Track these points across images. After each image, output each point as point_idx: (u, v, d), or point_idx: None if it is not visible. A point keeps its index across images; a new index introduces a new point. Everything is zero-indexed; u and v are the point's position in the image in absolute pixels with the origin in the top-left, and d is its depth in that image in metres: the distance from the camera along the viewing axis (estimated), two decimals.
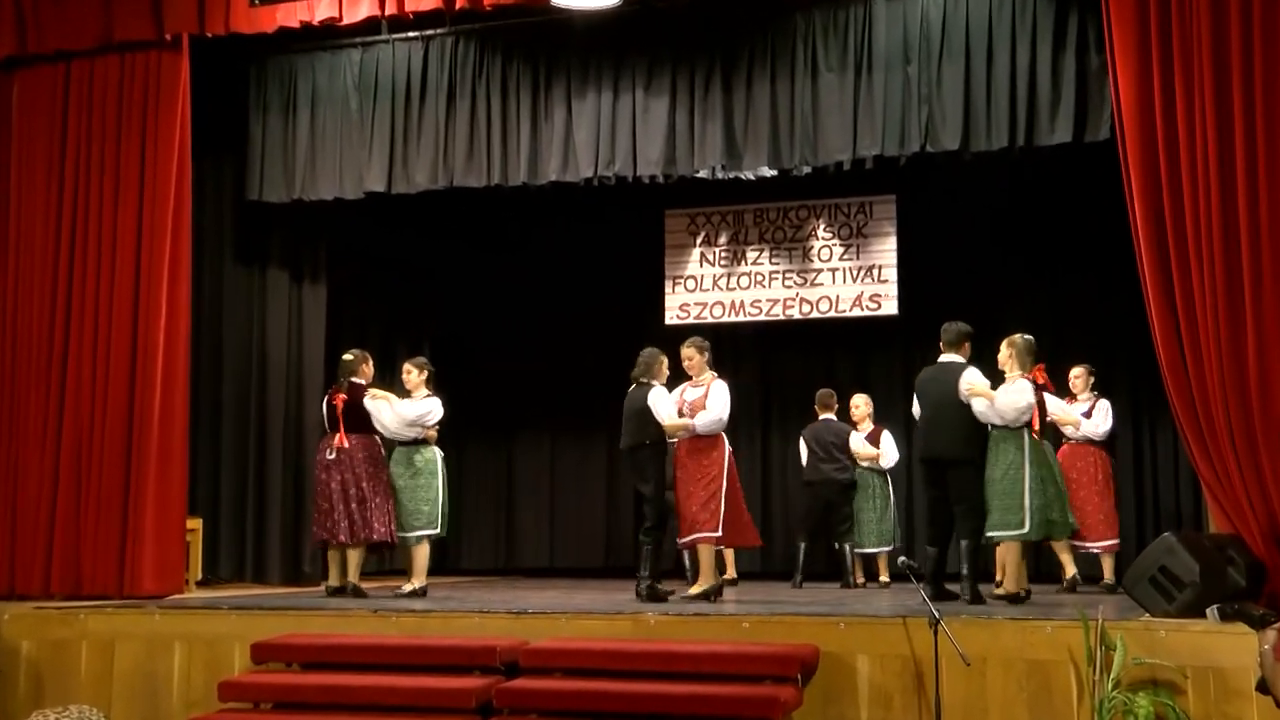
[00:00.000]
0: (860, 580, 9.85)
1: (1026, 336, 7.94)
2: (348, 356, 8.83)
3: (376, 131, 9.45)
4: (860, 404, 10.15)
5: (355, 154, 9.49)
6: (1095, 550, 9.20)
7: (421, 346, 12.38)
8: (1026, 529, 7.55)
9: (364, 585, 8.53)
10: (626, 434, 8.17)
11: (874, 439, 10.06)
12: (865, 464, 9.97)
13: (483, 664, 6.52)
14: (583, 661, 6.49)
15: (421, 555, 8.60)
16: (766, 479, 12.00)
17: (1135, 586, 6.47)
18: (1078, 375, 9.46)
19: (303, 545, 9.89)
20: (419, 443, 8.70)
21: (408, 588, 8.49)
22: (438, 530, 8.63)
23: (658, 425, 7.98)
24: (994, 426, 7.67)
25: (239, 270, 10.20)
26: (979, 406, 7.66)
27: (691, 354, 8.12)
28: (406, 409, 8.67)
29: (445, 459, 8.86)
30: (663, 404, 8.00)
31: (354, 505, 8.41)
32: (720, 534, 7.84)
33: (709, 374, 8.11)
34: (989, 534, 7.63)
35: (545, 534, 12.75)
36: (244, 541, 9.99)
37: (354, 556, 8.45)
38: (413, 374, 8.85)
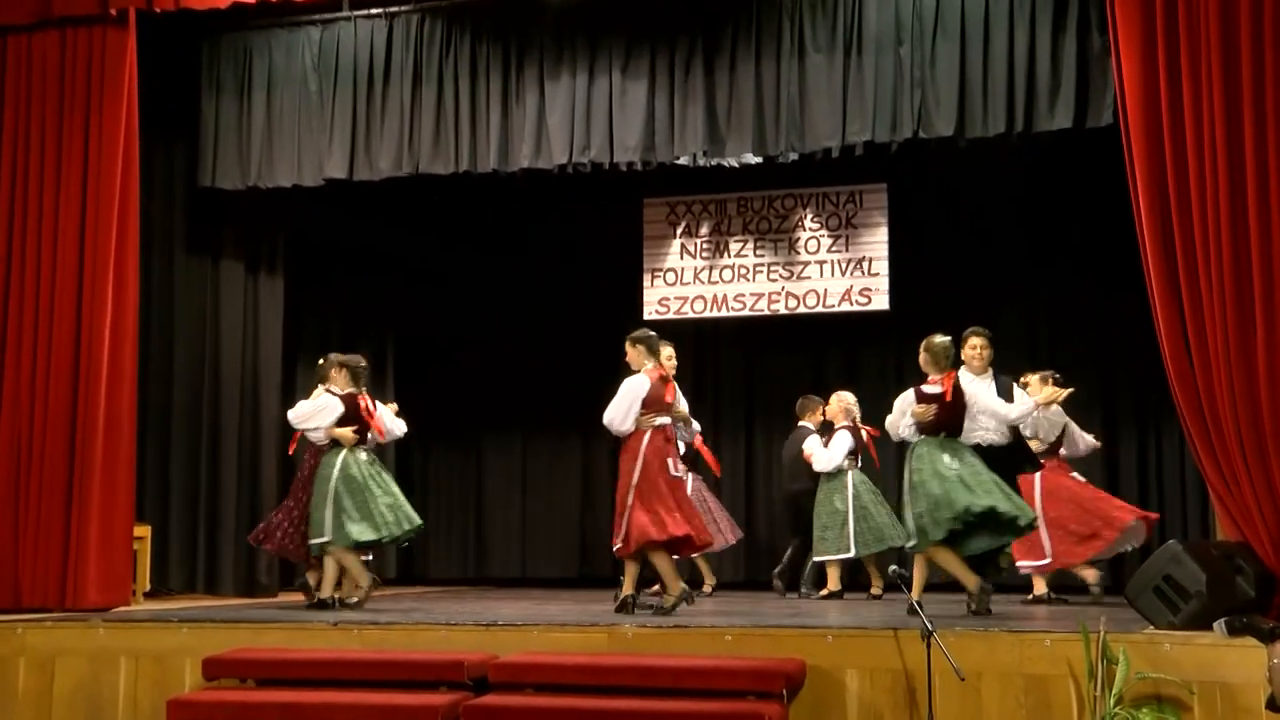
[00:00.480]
0: (827, 589, 9.83)
1: (943, 339, 7.78)
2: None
3: (337, 114, 9.39)
4: (832, 401, 10.14)
5: (314, 138, 9.44)
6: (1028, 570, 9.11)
7: (386, 344, 12.37)
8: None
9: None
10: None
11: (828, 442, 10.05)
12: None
13: (449, 679, 6.48)
14: (555, 677, 6.46)
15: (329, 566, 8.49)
16: (750, 484, 12.00)
17: (1139, 597, 6.46)
18: (1027, 383, 9.31)
19: (258, 554, 9.83)
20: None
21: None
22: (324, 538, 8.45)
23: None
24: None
25: (191, 262, 10.13)
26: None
27: (627, 348, 8.03)
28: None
29: (349, 462, 8.52)
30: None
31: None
32: (620, 546, 7.71)
33: (647, 366, 7.94)
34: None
35: (516, 542, 12.74)
36: (195, 550, 9.93)
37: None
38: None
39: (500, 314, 12.49)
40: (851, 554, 9.76)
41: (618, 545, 7.78)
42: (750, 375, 12.19)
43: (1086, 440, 9.23)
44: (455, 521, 12.92)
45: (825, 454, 9.89)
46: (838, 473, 9.88)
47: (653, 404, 7.78)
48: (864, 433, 9.99)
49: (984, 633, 6.38)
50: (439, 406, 12.36)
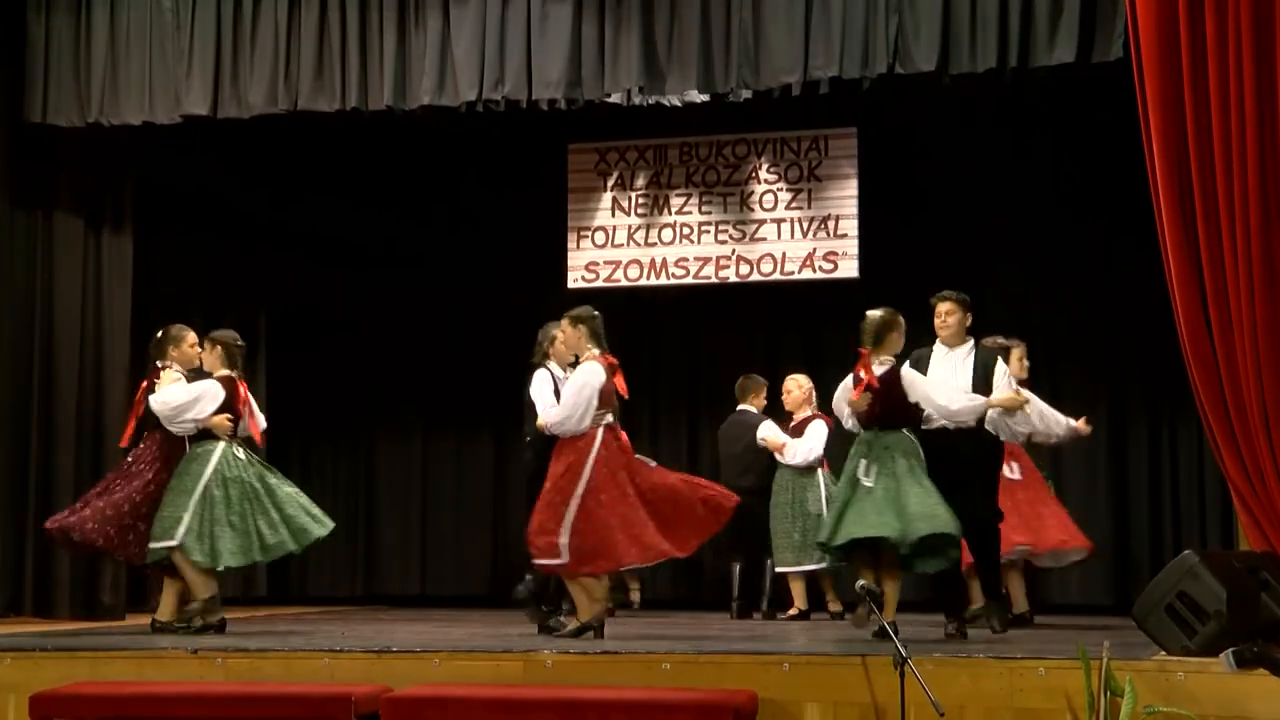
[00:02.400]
0: (794, 609, 9.92)
1: (875, 312, 7.75)
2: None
3: (198, 38, 9.31)
4: (792, 387, 10.20)
5: (170, 67, 9.35)
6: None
7: (256, 318, 12.27)
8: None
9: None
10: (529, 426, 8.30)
11: (799, 430, 10.09)
12: (779, 459, 10.02)
13: (333, 716, 6.45)
14: (461, 714, 6.44)
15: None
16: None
17: (1149, 617, 6.54)
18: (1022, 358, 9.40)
19: (100, 570, 9.75)
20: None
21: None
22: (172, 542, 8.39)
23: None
24: None
25: (17, 214, 9.99)
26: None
27: (564, 328, 7.98)
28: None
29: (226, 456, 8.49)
30: (542, 391, 8.18)
31: None
32: (564, 562, 7.65)
33: (589, 353, 7.88)
34: None
35: (415, 554, 12.73)
36: (22, 564, 9.83)
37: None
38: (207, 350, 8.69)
39: (394, 284, 12.42)
40: (824, 565, 9.79)
41: (556, 563, 7.72)
42: (694, 355, 12.23)
43: (1062, 422, 9.10)
44: (340, 531, 12.78)
45: (803, 444, 9.96)
46: (808, 469, 9.93)
47: (605, 399, 7.73)
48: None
49: (968, 660, 6.43)
50: (320, 394, 12.29)
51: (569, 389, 7.80)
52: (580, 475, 7.61)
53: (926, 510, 7.35)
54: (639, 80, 8.88)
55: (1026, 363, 9.19)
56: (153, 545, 8.32)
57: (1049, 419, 8.96)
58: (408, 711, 6.47)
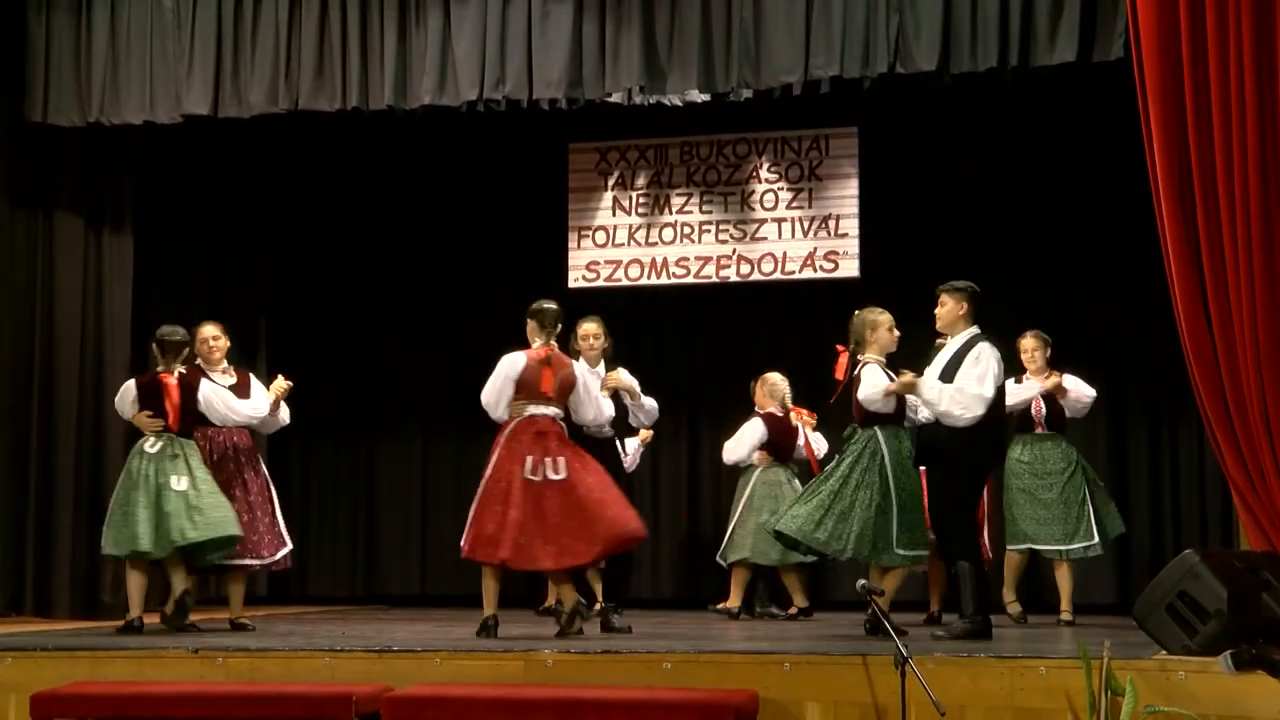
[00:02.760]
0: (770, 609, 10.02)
1: (866, 313, 8.04)
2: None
3: (199, 38, 9.32)
4: (755, 387, 10.31)
5: (171, 66, 9.36)
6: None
7: (257, 319, 12.28)
8: None
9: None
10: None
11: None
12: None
13: (334, 716, 6.45)
14: (461, 713, 6.44)
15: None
16: (694, 481, 12.04)
17: (1149, 617, 6.54)
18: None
19: (100, 568, 9.74)
20: None
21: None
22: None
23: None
24: None
25: (17, 214, 10.00)
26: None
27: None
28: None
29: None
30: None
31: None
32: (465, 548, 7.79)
33: (536, 342, 8.05)
34: None
35: (415, 554, 12.73)
36: (22, 564, 9.84)
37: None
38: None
39: (394, 284, 12.42)
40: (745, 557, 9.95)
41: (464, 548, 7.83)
42: (695, 355, 12.22)
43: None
44: (341, 530, 12.86)
45: (731, 443, 10.19)
46: (746, 468, 10.15)
47: (524, 389, 7.79)
48: (795, 419, 10.16)
49: (969, 659, 6.43)
50: (322, 395, 12.26)
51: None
52: (489, 463, 7.77)
53: (834, 529, 7.78)
54: (640, 80, 8.89)
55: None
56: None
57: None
58: (409, 711, 6.47)
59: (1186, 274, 7.01)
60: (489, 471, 7.75)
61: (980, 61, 8.33)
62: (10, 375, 9.94)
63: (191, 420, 8.55)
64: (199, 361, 8.72)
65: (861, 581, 6.59)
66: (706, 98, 9.57)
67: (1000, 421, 7.85)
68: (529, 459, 7.69)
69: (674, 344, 12.22)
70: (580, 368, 8.34)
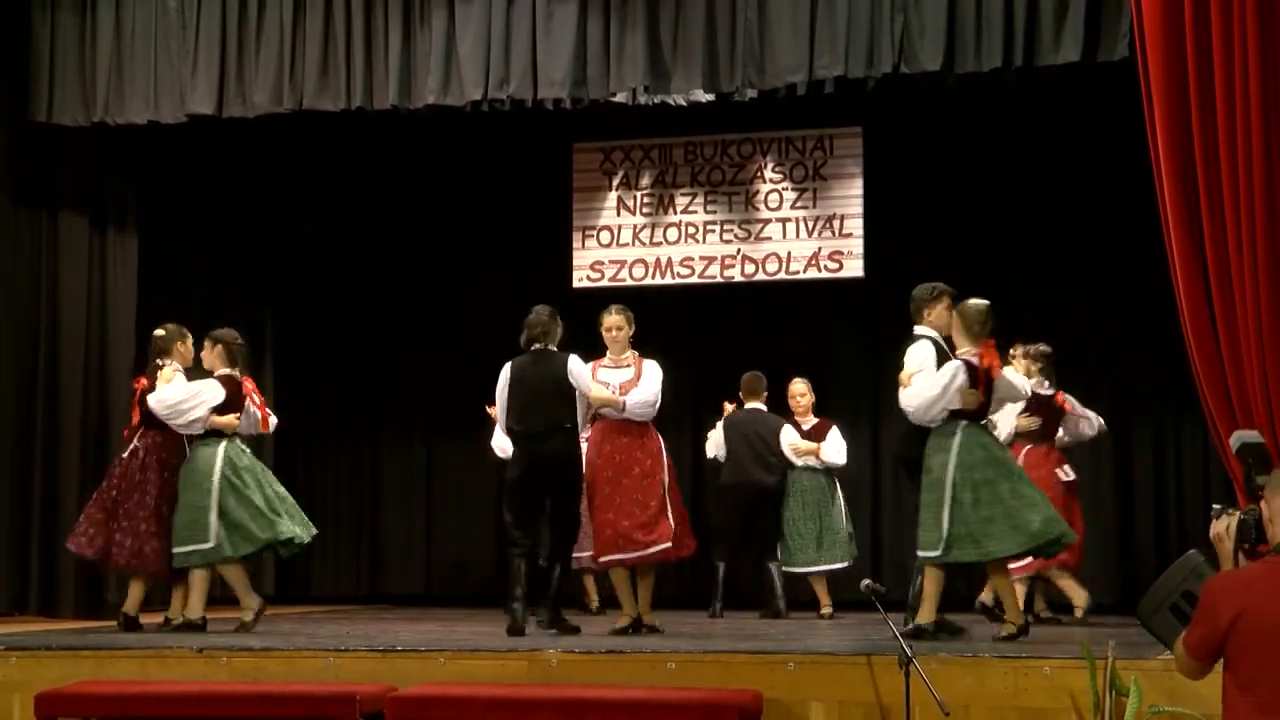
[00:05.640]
0: (823, 608, 9.99)
1: (983, 302, 7.80)
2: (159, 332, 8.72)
3: (203, 38, 9.33)
4: (806, 391, 10.26)
5: (175, 66, 9.37)
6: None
7: (262, 320, 12.29)
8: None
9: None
10: (535, 417, 8.15)
11: (818, 434, 10.18)
12: (801, 462, 10.08)
13: (338, 716, 6.45)
14: (465, 713, 6.44)
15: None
16: (699, 481, 12.04)
17: (1153, 617, 6.49)
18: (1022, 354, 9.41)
19: (104, 569, 9.72)
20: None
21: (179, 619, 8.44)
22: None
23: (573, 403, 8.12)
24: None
25: (21, 214, 10.02)
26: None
27: (623, 323, 8.27)
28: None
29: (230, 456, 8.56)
30: (587, 374, 8.20)
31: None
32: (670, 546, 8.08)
33: (630, 352, 8.28)
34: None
35: (419, 553, 12.75)
36: (27, 564, 9.86)
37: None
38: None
39: (399, 283, 12.44)
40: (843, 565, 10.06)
41: (664, 548, 8.07)
42: (699, 355, 12.21)
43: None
44: (345, 531, 12.86)
45: (840, 445, 10.16)
46: (830, 472, 10.15)
47: None
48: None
49: (973, 659, 6.44)
50: (325, 394, 12.30)
51: (655, 378, 8.16)
52: (662, 462, 8.23)
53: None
54: (644, 80, 8.89)
55: (1026, 363, 9.24)
56: (180, 550, 8.36)
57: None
58: (412, 710, 6.47)
59: (1191, 272, 7.02)
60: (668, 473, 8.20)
61: (985, 62, 8.33)
62: (15, 375, 9.95)
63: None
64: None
65: (866, 581, 6.58)
66: (711, 97, 9.57)
67: None
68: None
69: (678, 344, 12.20)
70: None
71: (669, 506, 8.13)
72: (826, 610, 10.02)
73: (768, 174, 11.26)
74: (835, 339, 11.70)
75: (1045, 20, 8.21)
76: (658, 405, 8.19)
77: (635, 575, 8.26)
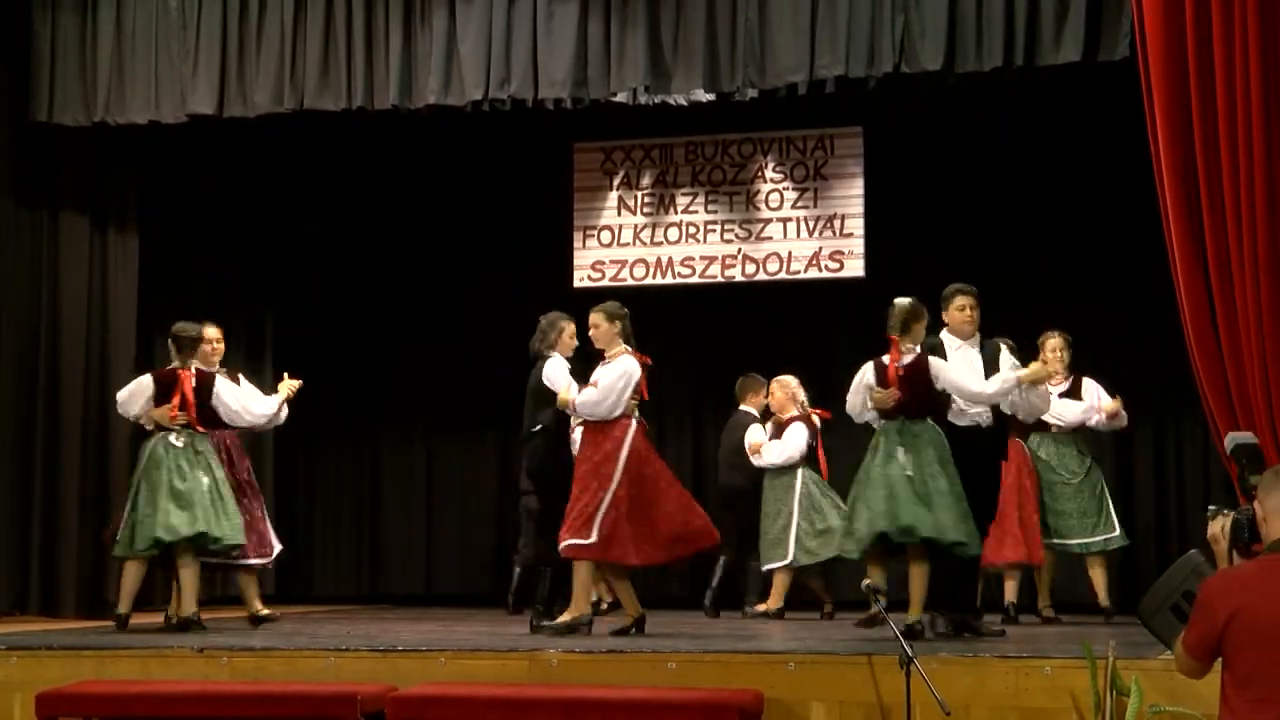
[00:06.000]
0: (768, 605, 9.97)
1: (906, 300, 7.75)
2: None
3: (204, 37, 9.33)
4: (775, 389, 10.21)
5: (176, 66, 9.38)
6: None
7: (263, 320, 12.29)
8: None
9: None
10: (524, 421, 8.32)
11: (783, 431, 10.12)
12: (756, 461, 10.09)
13: (339, 715, 6.45)
14: (466, 713, 6.44)
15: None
16: (700, 480, 12.02)
17: (1154, 616, 6.49)
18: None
19: (106, 567, 9.74)
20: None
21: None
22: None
23: (553, 406, 8.11)
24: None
25: (22, 214, 10.01)
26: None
27: (598, 321, 8.07)
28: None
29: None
30: (559, 375, 8.12)
31: None
32: (593, 542, 7.77)
33: (620, 347, 8.04)
34: None
35: (419, 553, 12.74)
36: (27, 563, 9.85)
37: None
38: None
39: (399, 283, 12.43)
40: (789, 561, 9.88)
41: (585, 543, 7.77)
42: (700, 354, 12.22)
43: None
44: (345, 531, 12.86)
45: (778, 446, 9.98)
46: (788, 470, 9.97)
47: (637, 392, 7.95)
48: (816, 420, 10.11)
49: (973, 659, 6.44)
50: (326, 393, 12.27)
51: (609, 375, 7.89)
52: (617, 463, 7.79)
53: (957, 515, 7.42)
54: (645, 79, 8.90)
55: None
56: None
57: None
58: (413, 710, 6.47)
59: (1191, 271, 7.03)
60: (620, 473, 7.77)
61: (985, 61, 8.33)
62: (15, 375, 9.95)
63: (207, 418, 8.59)
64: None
65: (866, 581, 6.59)
66: (711, 97, 9.57)
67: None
68: (650, 460, 7.98)
69: (679, 344, 12.21)
70: None
71: (589, 506, 7.79)
72: (827, 608, 9.99)
73: (768, 174, 11.27)
74: (835, 339, 11.68)
75: (1046, 20, 8.21)
76: (608, 405, 7.81)
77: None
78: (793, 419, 10.03)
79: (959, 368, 7.70)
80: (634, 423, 7.89)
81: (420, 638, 7.79)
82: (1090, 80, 8.68)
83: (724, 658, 6.72)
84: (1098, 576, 9.50)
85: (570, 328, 8.36)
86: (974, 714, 6.21)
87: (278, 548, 9.12)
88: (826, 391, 10.94)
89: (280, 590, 12.07)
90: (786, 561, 9.86)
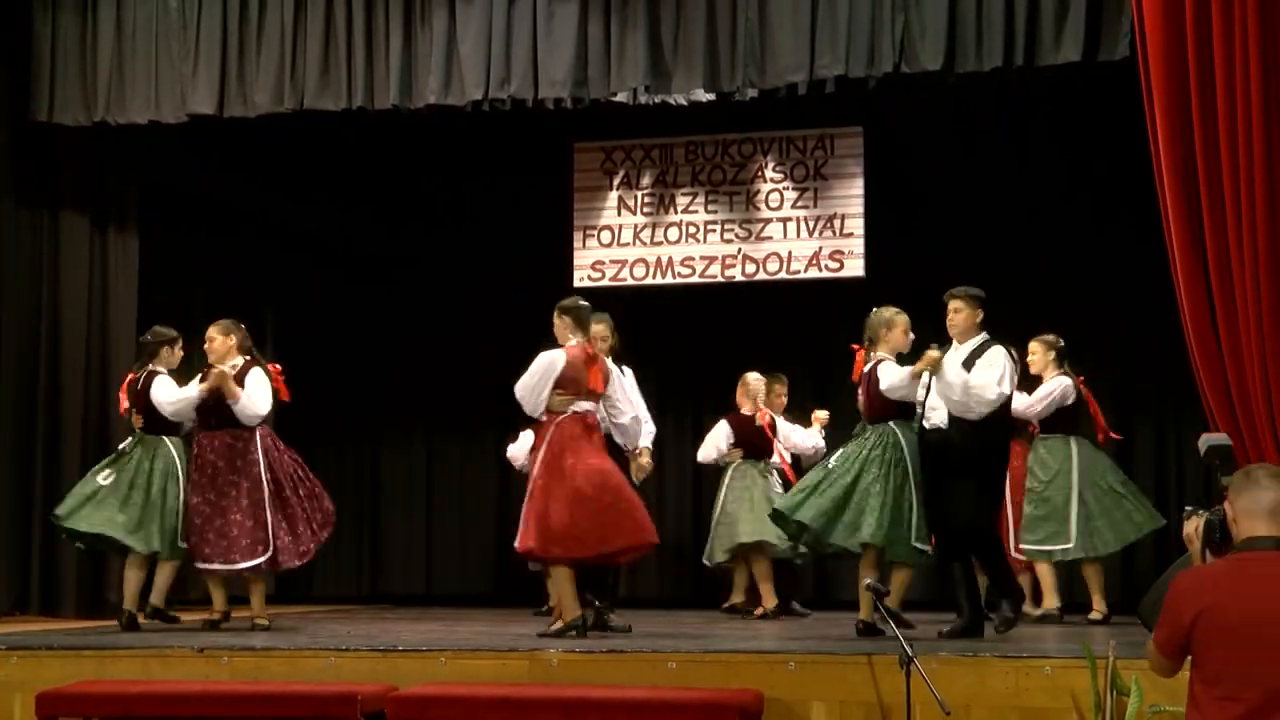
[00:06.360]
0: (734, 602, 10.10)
1: (874, 311, 7.93)
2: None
3: (204, 37, 9.33)
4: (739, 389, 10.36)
5: (176, 66, 9.38)
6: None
7: (263, 320, 12.27)
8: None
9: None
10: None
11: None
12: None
13: (339, 715, 6.46)
14: (466, 712, 6.45)
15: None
16: (699, 480, 12.04)
17: (1153, 616, 6.52)
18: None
19: (106, 567, 9.75)
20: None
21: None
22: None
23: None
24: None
25: (22, 213, 10.01)
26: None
27: (555, 318, 7.98)
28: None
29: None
30: (535, 365, 7.97)
31: None
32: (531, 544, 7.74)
33: (572, 341, 7.96)
34: None
35: (420, 553, 12.75)
36: (28, 563, 9.85)
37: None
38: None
39: (400, 283, 12.44)
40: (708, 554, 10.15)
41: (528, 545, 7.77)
42: (700, 354, 12.22)
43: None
44: (345, 531, 12.80)
45: (707, 443, 10.30)
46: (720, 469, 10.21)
47: (570, 385, 7.76)
48: (769, 417, 10.21)
49: (974, 659, 6.45)
50: (326, 393, 12.29)
51: (527, 372, 7.79)
52: (536, 459, 7.77)
53: (851, 520, 7.58)
54: (645, 79, 8.90)
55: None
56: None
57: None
58: (413, 710, 6.48)
59: (1191, 271, 7.03)
60: (539, 469, 7.69)
61: (985, 61, 8.34)
62: (16, 374, 9.95)
63: (153, 421, 8.64)
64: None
65: (868, 580, 6.59)
66: (712, 97, 9.58)
67: (1007, 424, 7.89)
68: (575, 452, 7.71)
69: (679, 344, 12.22)
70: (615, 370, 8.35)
71: (534, 505, 7.73)
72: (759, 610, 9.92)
73: (768, 173, 11.27)
74: (835, 339, 11.65)
75: (1046, 20, 8.21)
76: (529, 403, 7.73)
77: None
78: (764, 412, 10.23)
79: (888, 370, 7.75)
80: (561, 418, 7.71)
81: (420, 638, 7.80)
82: (1090, 80, 8.69)
83: (724, 658, 6.72)
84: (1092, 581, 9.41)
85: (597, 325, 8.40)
86: (974, 714, 6.22)
87: (269, 554, 8.74)
88: (827, 391, 10.98)
89: (280, 590, 12.06)
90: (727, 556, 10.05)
